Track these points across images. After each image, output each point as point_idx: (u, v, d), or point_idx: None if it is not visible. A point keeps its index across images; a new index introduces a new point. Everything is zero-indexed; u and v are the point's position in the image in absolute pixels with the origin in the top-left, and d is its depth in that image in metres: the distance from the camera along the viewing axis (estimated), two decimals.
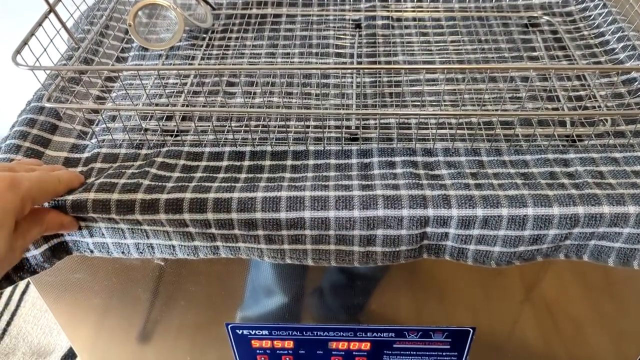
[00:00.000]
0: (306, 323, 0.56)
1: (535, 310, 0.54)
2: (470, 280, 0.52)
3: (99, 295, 0.53)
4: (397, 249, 0.44)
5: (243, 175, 0.46)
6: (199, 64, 0.58)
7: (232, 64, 0.58)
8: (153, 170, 0.45)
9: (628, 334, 0.56)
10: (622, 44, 0.56)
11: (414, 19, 0.65)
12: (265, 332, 0.56)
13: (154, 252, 0.46)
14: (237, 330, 0.56)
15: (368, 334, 0.56)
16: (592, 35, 0.60)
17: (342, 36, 0.62)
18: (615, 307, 0.53)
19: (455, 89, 0.53)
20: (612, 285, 0.51)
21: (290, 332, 0.56)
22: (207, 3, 0.65)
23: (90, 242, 0.45)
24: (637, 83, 0.52)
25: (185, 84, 0.55)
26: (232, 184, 0.44)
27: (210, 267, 0.51)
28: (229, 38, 0.62)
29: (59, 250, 0.46)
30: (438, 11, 0.66)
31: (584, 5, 0.65)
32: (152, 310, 0.56)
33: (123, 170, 0.45)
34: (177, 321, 0.57)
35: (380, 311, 0.55)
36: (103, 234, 0.44)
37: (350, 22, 0.65)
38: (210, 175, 0.46)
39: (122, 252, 0.46)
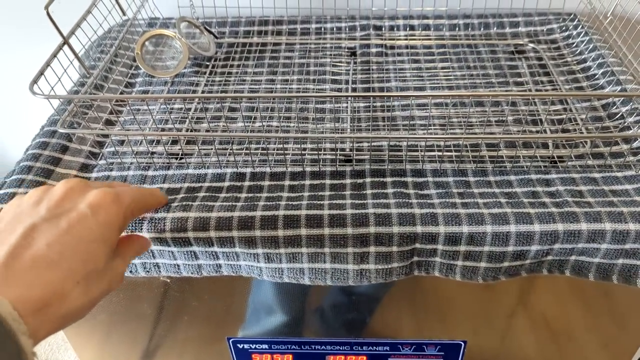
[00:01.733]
0: (305, 337, 0.58)
1: (525, 324, 0.56)
2: (461, 295, 0.54)
3: (105, 311, 0.56)
4: (390, 266, 0.46)
5: (244, 195, 0.48)
6: (202, 90, 0.61)
7: (234, 91, 0.61)
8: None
9: (617, 345, 0.58)
10: (602, 70, 0.59)
11: (407, 47, 0.68)
12: (265, 346, 0.58)
13: (159, 271, 0.48)
14: (238, 345, 0.59)
15: (364, 347, 0.58)
16: (575, 62, 0.64)
17: (338, 63, 0.66)
18: (604, 320, 0.56)
19: (443, 113, 0.57)
20: (599, 298, 0.54)
21: (289, 346, 0.59)
22: (211, 32, 0.68)
23: None
24: (615, 107, 0.55)
25: (189, 109, 0.58)
26: (233, 203, 0.47)
27: (213, 284, 0.53)
28: (231, 65, 0.66)
29: None
30: (429, 39, 0.69)
31: (567, 33, 0.68)
32: (157, 326, 0.58)
33: None
34: (181, 336, 0.59)
35: (376, 326, 0.57)
36: None
37: (346, 49, 0.68)
38: (213, 195, 0.49)
39: (130, 272, 0.49)
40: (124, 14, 0.62)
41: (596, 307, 0.54)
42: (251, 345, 0.58)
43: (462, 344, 0.57)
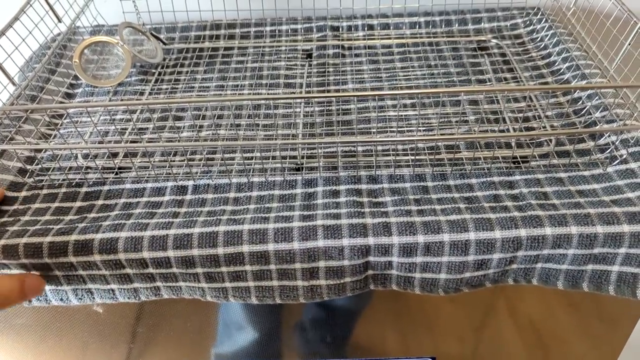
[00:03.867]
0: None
1: (494, 336, 0.52)
2: (427, 309, 0.50)
3: (77, 338, 0.52)
4: (342, 281, 0.42)
5: (183, 210, 0.45)
6: (146, 99, 0.57)
7: (180, 97, 0.58)
8: (92, 215, 0.44)
9: (591, 356, 0.54)
10: (567, 64, 0.56)
11: (365, 47, 0.65)
12: None
13: (93, 298, 0.44)
14: None
15: None
16: (539, 57, 0.61)
17: (292, 66, 0.62)
18: (575, 330, 0.52)
19: (402, 115, 0.53)
20: (570, 306, 0.50)
21: None
22: (158, 39, 0.65)
23: None
24: (581, 102, 0.52)
25: (129, 121, 0.54)
26: (171, 220, 0.43)
27: (181, 306, 0.49)
28: (180, 72, 0.62)
29: None
30: (389, 38, 0.66)
31: (531, 27, 0.65)
32: (130, 353, 0.54)
33: (61, 217, 0.44)
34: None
35: (348, 344, 0.54)
36: None
37: (302, 52, 0.65)
38: (150, 211, 0.45)
39: (61, 300, 0.44)
40: (59, 20, 0.58)
41: (568, 317, 0.51)
42: None
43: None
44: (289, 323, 0.53)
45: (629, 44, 0.45)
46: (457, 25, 0.67)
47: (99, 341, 0.52)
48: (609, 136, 0.47)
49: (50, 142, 0.52)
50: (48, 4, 0.57)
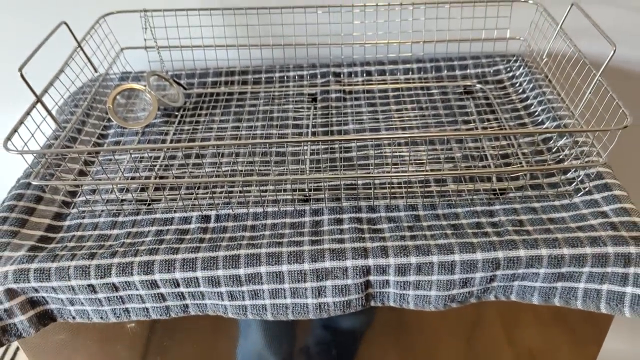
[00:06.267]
0: None
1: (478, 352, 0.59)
2: (422, 327, 0.57)
3: (82, 355, 0.58)
4: (347, 298, 0.49)
5: (208, 236, 0.51)
6: (170, 139, 0.65)
7: (201, 139, 0.65)
8: (129, 240, 0.51)
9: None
10: (541, 107, 0.64)
11: (364, 91, 0.73)
12: None
13: (129, 316, 0.51)
14: None
15: None
16: (518, 100, 0.69)
17: (300, 109, 0.70)
18: (552, 344, 0.59)
19: (396, 153, 0.61)
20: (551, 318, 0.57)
21: None
22: (179, 84, 0.73)
23: (72, 310, 0.50)
24: (552, 142, 0.59)
25: (158, 158, 0.62)
26: (198, 245, 0.50)
27: (189, 326, 0.56)
28: (199, 114, 0.70)
29: (44, 317, 0.51)
30: (385, 83, 0.74)
31: (512, 73, 0.73)
32: None
33: (102, 243, 0.51)
34: None
35: None
36: (82, 303, 0.50)
37: (307, 96, 0.73)
38: (179, 237, 0.51)
39: (101, 318, 0.51)
40: (95, 70, 0.66)
41: (551, 326, 0.57)
42: None
43: None
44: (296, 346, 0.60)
45: (590, 93, 0.53)
46: (445, 71, 0.75)
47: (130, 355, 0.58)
48: (575, 171, 0.54)
49: (90, 178, 0.59)
50: (86, 56, 0.65)
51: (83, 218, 0.55)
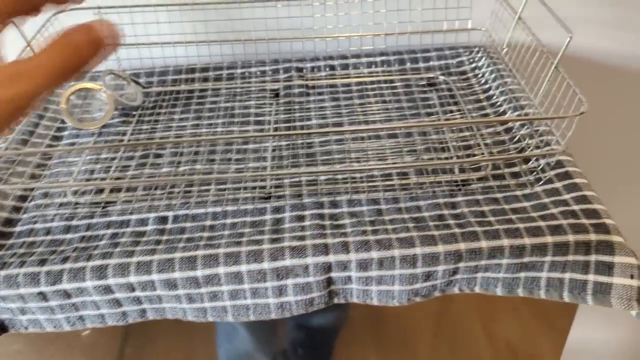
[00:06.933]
0: None
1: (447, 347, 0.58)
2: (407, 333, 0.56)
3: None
4: (309, 296, 0.48)
5: (165, 238, 0.50)
6: (128, 140, 0.63)
7: (160, 137, 0.63)
8: (82, 245, 0.50)
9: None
10: (503, 97, 0.64)
11: (327, 86, 0.72)
12: None
13: (84, 324, 0.49)
14: None
15: None
16: (481, 91, 0.68)
17: (262, 105, 0.69)
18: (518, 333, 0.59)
19: (358, 147, 0.60)
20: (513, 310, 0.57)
21: None
22: (138, 83, 0.71)
23: (23, 319, 0.48)
24: (514, 131, 0.59)
25: (114, 159, 0.60)
26: (154, 247, 0.48)
27: (164, 332, 0.54)
28: (158, 113, 0.68)
29: None
30: (349, 77, 0.73)
31: (474, 64, 0.73)
32: None
33: (54, 249, 0.49)
34: None
35: None
36: (34, 312, 0.48)
37: (270, 91, 0.71)
38: (135, 240, 0.50)
39: (55, 327, 0.49)
40: None
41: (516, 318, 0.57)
42: None
43: None
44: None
45: (548, 81, 0.53)
46: (409, 63, 0.75)
47: None
48: (536, 160, 0.54)
49: (41, 181, 0.57)
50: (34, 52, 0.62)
51: (35, 223, 0.53)
